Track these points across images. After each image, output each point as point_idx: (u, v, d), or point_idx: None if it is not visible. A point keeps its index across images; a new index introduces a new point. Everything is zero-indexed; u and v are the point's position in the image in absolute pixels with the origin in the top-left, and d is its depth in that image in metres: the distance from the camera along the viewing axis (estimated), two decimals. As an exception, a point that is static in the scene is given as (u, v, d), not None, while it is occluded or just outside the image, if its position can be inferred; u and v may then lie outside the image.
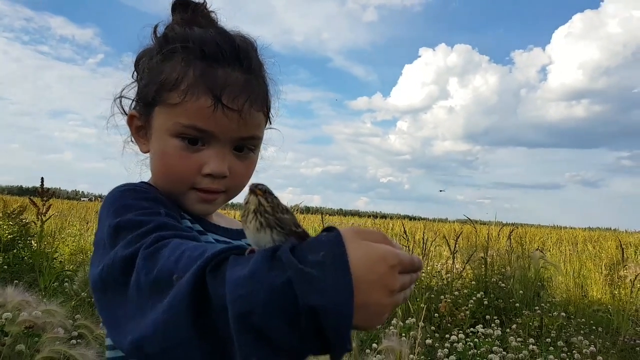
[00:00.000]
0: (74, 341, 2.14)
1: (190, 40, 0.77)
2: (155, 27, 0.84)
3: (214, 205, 0.83)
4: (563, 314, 4.44)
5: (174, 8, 0.84)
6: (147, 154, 0.86)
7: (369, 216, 13.56)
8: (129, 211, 0.67)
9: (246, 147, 0.81)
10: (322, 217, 8.16)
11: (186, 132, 0.75)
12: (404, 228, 6.43)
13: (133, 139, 0.87)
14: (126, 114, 0.86)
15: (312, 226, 8.67)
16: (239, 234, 0.93)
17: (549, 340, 3.59)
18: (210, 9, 0.85)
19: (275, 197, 0.58)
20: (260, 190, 0.58)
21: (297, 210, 9.23)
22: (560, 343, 3.43)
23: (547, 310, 4.58)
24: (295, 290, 0.45)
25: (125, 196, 0.73)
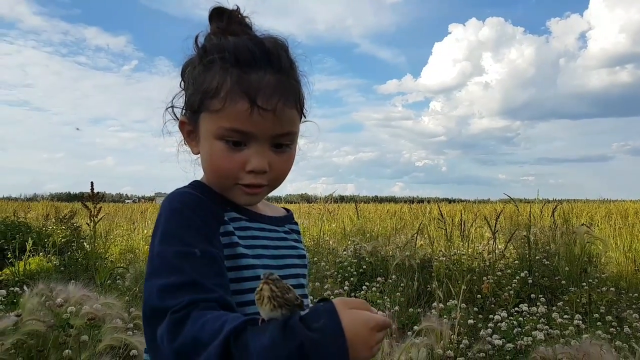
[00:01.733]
0: (130, 332, 2.29)
1: (225, 50, 0.85)
2: (196, 37, 0.93)
3: (258, 197, 0.92)
4: (612, 289, 4.35)
5: (211, 18, 0.92)
6: (198, 155, 0.95)
7: (405, 201, 13.46)
8: (170, 245, 0.79)
9: (284, 143, 0.89)
10: (356, 206, 8.21)
11: (229, 134, 0.84)
12: (440, 211, 6.39)
13: (185, 142, 0.97)
14: (177, 119, 0.96)
15: (347, 214, 8.70)
16: (281, 220, 1.03)
17: (596, 315, 3.54)
18: (244, 14, 0.92)
19: (281, 281, 0.72)
20: (271, 280, 0.71)
21: (331, 199, 9.30)
22: (609, 318, 3.37)
23: (595, 286, 4.49)
24: (306, 351, 0.62)
25: (177, 220, 0.83)
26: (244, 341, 0.65)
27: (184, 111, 0.95)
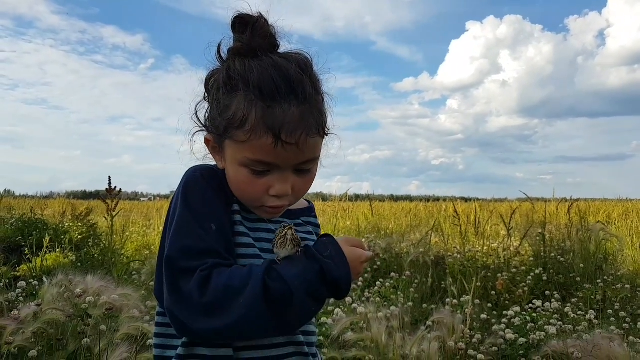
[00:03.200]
0: (146, 324, 2.33)
1: (249, 80, 0.86)
2: (219, 47, 0.94)
3: (280, 212, 0.98)
4: (628, 286, 4.31)
5: (234, 27, 0.92)
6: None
7: (420, 200, 13.44)
8: (191, 212, 0.89)
9: (305, 169, 0.93)
10: (370, 203, 8.22)
11: (253, 164, 0.88)
12: (455, 209, 6.38)
13: (211, 155, 1.00)
14: (204, 126, 0.97)
15: (361, 212, 8.71)
16: (296, 213, 1.06)
17: (610, 312, 3.51)
18: (269, 24, 0.91)
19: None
20: (293, 227, 0.90)
21: (346, 197, 9.31)
22: (622, 314, 3.35)
23: (610, 283, 4.45)
24: (325, 271, 0.84)
25: (196, 194, 0.92)
26: (277, 274, 0.82)
27: (207, 128, 0.96)
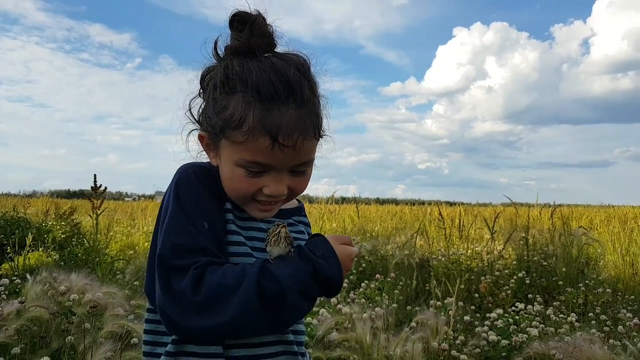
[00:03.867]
0: (130, 322, 2.32)
1: (248, 82, 0.86)
2: (215, 44, 0.94)
3: (270, 213, 0.97)
4: (609, 290, 4.38)
5: (232, 24, 0.92)
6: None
7: (406, 203, 13.49)
8: (183, 209, 0.89)
9: (300, 170, 0.94)
10: (356, 206, 8.25)
11: (249, 165, 0.89)
12: (440, 212, 6.43)
13: (205, 152, 1.00)
14: (198, 122, 0.97)
15: (347, 214, 8.73)
16: (287, 212, 1.06)
17: (591, 315, 3.57)
18: (267, 22, 0.92)
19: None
20: (285, 226, 0.92)
21: (333, 200, 9.32)
22: (603, 317, 3.40)
23: (591, 287, 4.52)
24: (318, 271, 0.86)
25: (188, 191, 0.91)
26: (270, 273, 0.83)
27: (202, 122, 0.95)
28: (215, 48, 0.94)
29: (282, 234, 0.90)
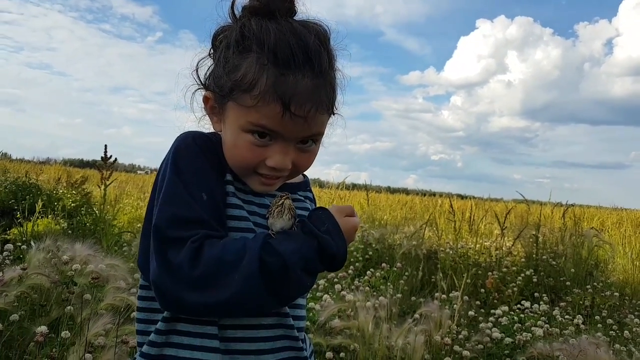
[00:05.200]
0: (132, 296, 2.30)
1: (265, 43, 0.82)
2: (233, 3, 0.89)
3: (273, 187, 0.93)
4: (616, 294, 4.32)
5: None
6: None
7: (417, 193, 13.43)
8: (181, 178, 0.84)
9: (311, 139, 0.89)
10: (367, 194, 8.20)
11: (256, 130, 0.84)
12: (451, 205, 6.36)
13: (207, 115, 0.95)
14: (203, 85, 0.93)
15: (357, 201, 8.69)
16: (292, 187, 1.01)
17: (598, 318, 3.52)
18: None
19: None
20: (289, 197, 0.88)
21: (344, 186, 9.28)
22: (610, 321, 3.35)
23: (599, 289, 4.46)
24: (322, 247, 0.82)
25: (187, 159, 0.86)
26: (272, 249, 0.79)
27: (209, 85, 0.92)
28: (232, 7, 0.89)
29: (285, 205, 0.86)
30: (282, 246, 0.79)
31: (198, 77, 0.94)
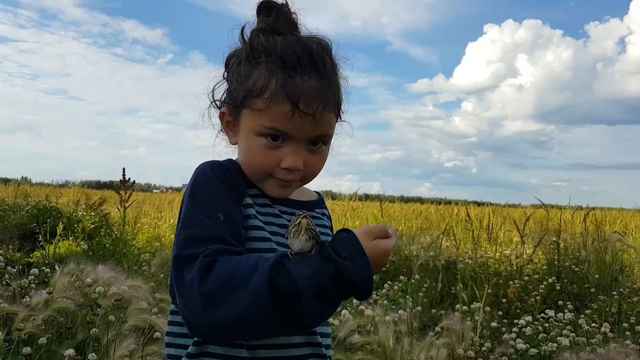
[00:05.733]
0: (154, 316, 2.33)
1: (273, 52, 0.89)
2: (242, 29, 0.97)
3: (289, 190, 0.97)
4: (643, 299, 4.23)
5: (259, 10, 0.96)
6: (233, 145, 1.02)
7: (431, 202, 13.33)
8: (199, 204, 0.87)
9: (320, 141, 0.94)
10: (380, 204, 8.18)
11: (268, 132, 0.89)
12: (468, 213, 6.32)
13: (223, 131, 1.02)
14: (218, 108, 1.00)
15: (371, 212, 8.67)
16: (309, 205, 1.04)
17: (626, 325, 3.44)
18: (292, 11, 0.96)
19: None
20: (309, 217, 0.84)
21: (356, 197, 9.26)
22: (638, 328, 3.27)
23: (626, 295, 4.37)
24: (340, 276, 0.76)
25: (205, 186, 0.90)
26: (285, 271, 0.76)
27: (225, 102, 0.98)
28: (242, 33, 0.97)
29: (302, 225, 0.83)
30: (296, 269, 0.76)
31: (214, 99, 1.01)
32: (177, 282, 0.80)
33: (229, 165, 0.96)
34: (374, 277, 0.81)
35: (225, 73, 0.99)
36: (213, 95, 1.01)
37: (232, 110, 0.95)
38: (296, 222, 0.84)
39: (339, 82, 0.96)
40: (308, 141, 0.91)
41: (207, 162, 0.95)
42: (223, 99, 0.99)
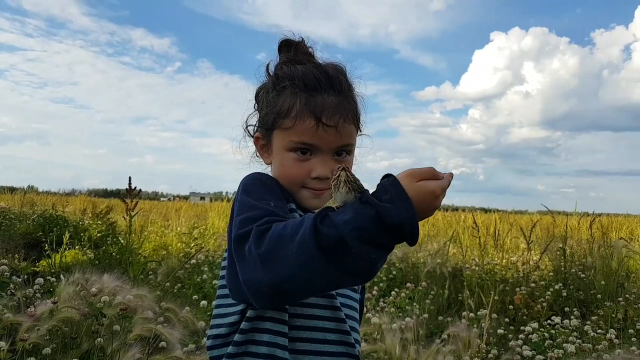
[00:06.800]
0: (160, 325, 2.33)
1: (295, 77, 1.02)
2: (267, 66, 1.10)
3: (323, 200, 1.04)
4: (650, 305, 4.19)
5: (280, 48, 1.10)
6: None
7: (439, 209, 13.32)
8: (250, 196, 0.94)
9: (344, 151, 1.04)
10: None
11: (297, 147, 1.00)
12: (474, 220, 6.30)
13: (258, 154, 1.13)
14: (252, 136, 1.13)
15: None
16: None
17: (632, 331, 3.41)
18: (308, 45, 1.10)
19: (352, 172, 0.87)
20: (347, 169, 0.86)
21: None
22: (645, 334, 3.25)
23: (632, 301, 4.33)
24: (383, 217, 0.75)
25: (254, 184, 1.00)
26: (329, 220, 0.78)
27: (257, 128, 1.11)
28: (267, 69, 1.10)
29: (342, 177, 0.84)
30: (337, 217, 0.78)
31: (247, 130, 1.14)
32: (238, 258, 0.84)
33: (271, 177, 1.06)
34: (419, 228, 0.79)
35: (256, 104, 1.12)
36: (247, 126, 1.14)
37: (264, 134, 1.07)
38: (335, 176, 0.85)
39: (356, 98, 1.08)
40: (333, 152, 1.02)
41: (256, 172, 1.05)
42: (255, 127, 1.11)
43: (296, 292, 0.83)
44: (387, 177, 0.83)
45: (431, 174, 0.83)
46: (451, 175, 0.86)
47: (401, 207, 0.76)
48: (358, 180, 0.85)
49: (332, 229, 0.76)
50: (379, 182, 0.83)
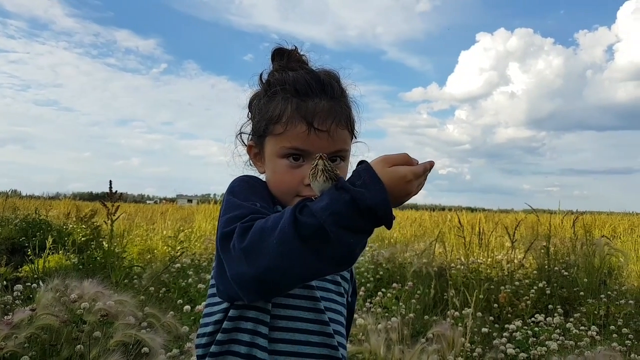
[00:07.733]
0: (143, 330, 2.31)
1: (286, 82, 1.00)
2: (261, 74, 1.09)
3: None
4: (631, 301, 4.26)
5: (273, 57, 1.09)
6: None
7: (426, 209, 13.44)
8: (237, 196, 0.94)
9: (338, 157, 1.02)
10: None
11: (290, 152, 0.98)
12: (459, 219, 6.33)
13: (252, 163, 1.12)
14: (245, 145, 1.11)
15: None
16: None
17: (613, 328, 3.46)
18: (301, 53, 1.08)
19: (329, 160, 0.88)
20: (325, 157, 0.86)
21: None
22: (625, 330, 3.30)
23: (614, 298, 4.40)
24: (357, 201, 0.76)
25: (241, 185, 1.00)
26: (307, 209, 0.79)
27: (250, 137, 1.09)
28: (260, 78, 1.09)
29: (319, 166, 0.85)
30: (315, 204, 0.79)
31: (241, 139, 1.13)
32: (224, 255, 0.85)
33: (259, 179, 1.06)
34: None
35: (249, 113, 1.10)
36: (241, 135, 1.12)
37: (256, 141, 1.06)
38: (314, 165, 0.86)
39: (349, 104, 1.06)
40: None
41: (244, 175, 1.06)
42: (249, 135, 1.10)
43: (280, 281, 0.83)
44: (361, 163, 0.85)
45: (404, 160, 0.83)
46: (430, 163, 0.86)
47: (374, 190, 0.77)
48: (335, 169, 0.86)
49: (310, 217, 0.77)
50: (356, 167, 0.85)
